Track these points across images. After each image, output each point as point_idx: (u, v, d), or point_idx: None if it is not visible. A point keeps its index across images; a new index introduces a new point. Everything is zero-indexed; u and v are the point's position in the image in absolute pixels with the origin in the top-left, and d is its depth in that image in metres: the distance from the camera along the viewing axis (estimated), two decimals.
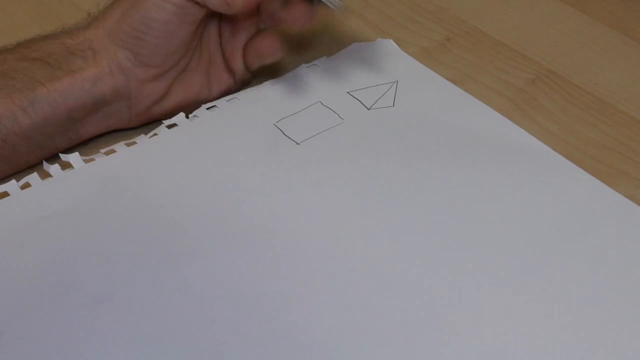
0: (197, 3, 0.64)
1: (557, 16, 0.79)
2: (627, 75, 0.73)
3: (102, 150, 0.66)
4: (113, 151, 0.66)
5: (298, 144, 0.66)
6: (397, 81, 0.71)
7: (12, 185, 0.63)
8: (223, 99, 0.70)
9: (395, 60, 0.73)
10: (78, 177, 0.64)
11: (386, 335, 0.53)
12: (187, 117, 0.68)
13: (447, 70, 0.73)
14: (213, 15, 0.68)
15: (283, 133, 0.67)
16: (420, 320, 0.54)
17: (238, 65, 0.70)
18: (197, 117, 0.68)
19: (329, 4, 0.66)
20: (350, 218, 0.60)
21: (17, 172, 0.64)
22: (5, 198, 0.62)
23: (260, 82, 0.71)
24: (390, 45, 0.75)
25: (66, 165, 0.65)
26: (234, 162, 0.65)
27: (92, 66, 0.65)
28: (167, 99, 0.68)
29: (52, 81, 0.64)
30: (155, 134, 0.67)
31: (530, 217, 0.60)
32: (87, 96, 0.65)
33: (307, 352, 0.53)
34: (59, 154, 0.65)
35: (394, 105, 0.69)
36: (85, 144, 0.67)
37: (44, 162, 0.64)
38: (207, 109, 0.69)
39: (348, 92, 0.70)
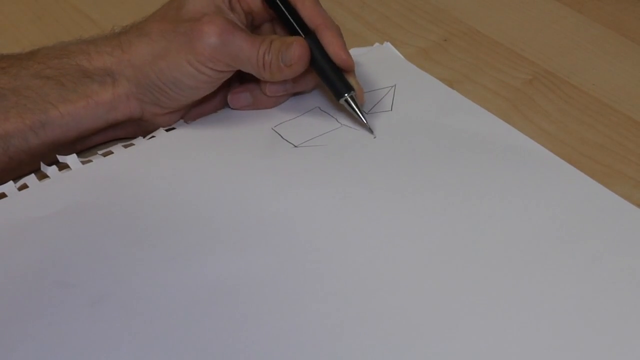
0: (229, 71, 0.64)
1: (555, 16, 0.79)
2: (624, 75, 0.73)
3: (100, 152, 0.66)
4: (110, 152, 0.66)
5: (296, 146, 0.66)
6: (395, 85, 0.71)
7: (9, 187, 0.63)
8: None
9: (393, 65, 0.73)
10: (75, 178, 0.64)
11: (386, 335, 0.53)
12: (185, 121, 0.68)
13: (444, 70, 0.73)
14: None
15: (281, 137, 0.67)
16: (419, 320, 0.54)
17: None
18: (195, 120, 0.68)
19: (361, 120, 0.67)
20: (348, 220, 0.60)
21: None
22: (3, 199, 0.62)
23: None
24: (388, 49, 0.75)
25: (64, 167, 0.65)
26: (231, 164, 0.65)
27: (109, 92, 0.64)
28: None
29: (65, 104, 0.63)
30: (153, 136, 0.67)
31: (527, 218, 0.60)
32: (100, 121, 0.64)
33: (306, 352, 0.53)
34: (57, 155, 0.64)
35: (391, 110, 0.69)
36: None
37: (41, 163, 0.64)
38: None
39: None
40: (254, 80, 0.68)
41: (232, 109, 0.69)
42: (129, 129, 0.67)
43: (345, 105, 0.67)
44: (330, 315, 0.55)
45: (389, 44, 0.75)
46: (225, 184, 0.63)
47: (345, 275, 0.57)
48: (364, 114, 0.67)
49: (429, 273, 0.57)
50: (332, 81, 0.66)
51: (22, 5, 0.82)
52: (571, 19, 0.79)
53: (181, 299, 0.56)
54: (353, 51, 0.74)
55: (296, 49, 0.64)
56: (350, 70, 0.66)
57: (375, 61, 0.73)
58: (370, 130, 0.67)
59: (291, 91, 0.68)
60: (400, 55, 0.74)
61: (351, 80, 0.67)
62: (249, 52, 0.63)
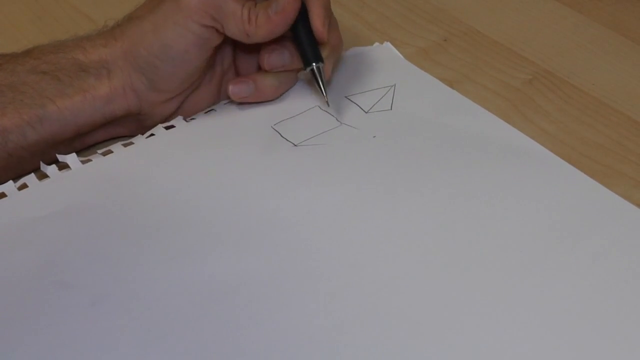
0: (216, 31, 0.64)
1: (554, 16, 0.79)
2: (624, 75, 0.73)
3: (100, 151, 0.66)
4: (110, 152, 0.66)
5: (295, 145, 0.66)
6: (394, 85, 0.71)
7: (9, 186, 0.63)
8: (221, 102, 0.70)
9: (393, 64, 0.73)
10: (75, 178, 0.64)
11: (385, 334, 0.53)
12: (184, 119, 0.68)
13: (444, 70, 0.73)
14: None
15: (280, 135, 0.67)
16: (419, 320, 0.54)
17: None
18: (195, 118, 0.68)
19: (322, 92, 0.68)
20: (347, 219, 0.60)
21: None
22: (3, 199, 0.62)
23: None
24: (388, 49, 0.75)
25: (63, 166, 0.65)
26: (231, 163, 0.65)
27: (106, 86, 0.64)
28: (177, 113, 0.68)
29: (62, 98, 0.63)
30: (153, 135, 0.67)
31: (527, 218, 0.60)
32: (98, 115, 0.64)
33: (306, 352, 0.53)
34: (57, 155, 0.64)
35: (391, 109, 0.69)
36: None
37: (41, 163, 0.64)
38: (205, 111, 0.69)
39: (346, 96, 0.70)
40: (254, 71, 0.68)
41: (233, 100, 0.69)
42: (129, 125, 0.67)
43: (311, 75, 0.67)
44: (331, 314, 0.55)
45: (388, 43, 0.75)
46: (225, 182, 0.63)
47: (345, 275, 0.57)
48: (326, 87, 0.67)
49: (429, 272, 0.57)
50: (304, 48, 0.67)
51: (21, 5, 0.82)
52: (571, 19, 0.79)
53: (181, 298, 0.56)
54: (353, 51, 0.74)
55: None
56: (323, 42, 0.67)
57: (375, 61, 0.73)
58: (327, 104, 0.68)
59: (289, 66, 0.68)
60: (400, 55, 0.74)
61: (324, 53, 0.67)
62: (233, 5, 0.63)
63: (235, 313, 0.55)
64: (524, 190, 0.62)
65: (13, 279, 0.57)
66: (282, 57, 0.67)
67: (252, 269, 0.57)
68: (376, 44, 0.75)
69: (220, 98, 0.70)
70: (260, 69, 0.69)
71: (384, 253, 0.58)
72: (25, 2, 0.82)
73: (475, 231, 0.59)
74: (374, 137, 0.66)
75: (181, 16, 0.63)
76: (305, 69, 0.67)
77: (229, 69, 0.69)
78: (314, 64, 0.67)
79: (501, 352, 0.52)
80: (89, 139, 0.66)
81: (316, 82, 0.67)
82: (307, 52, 0.67)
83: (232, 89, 0.68)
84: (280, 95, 0.69)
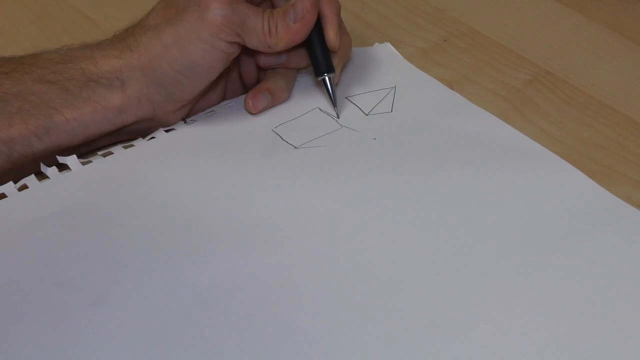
0: (238, 45, 0.64)
1: (554, 17, 0.79)
2: (624, 76, 0.73)
3: (100, 152, 0.66)
4: (110, 153, 0.66)
5: (296, 147, 0.66)
6: (395, 87, 0.71)
7: (9, 187, 0.63)
8: (221, 104, 0.70)
9: (393, 65, 0.73)
10: (75, 179, 0.64)
11: (385, 335, 0.53)
12: (184, 121, 0.68)
13: (444, 71, 0.73)
14: None
15: (281, 138, 0.67)
16: (418, 320, 0.54)
17: (253, 79, 0.70)
18: (195, 121, 0.68)
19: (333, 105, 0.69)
20: (348, 221, 0.60)
21: None
22: (3, 199, 0.62)
23: None
24: (388, 49, 0.75)
25: (64, 167, 0.65)
26: (231, 165, 0.65)
27: (118, 96, 0.63)
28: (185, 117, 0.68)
29: (70, 109, 0.62)
30: (153, 137, 0.67)
31: (527, 219, 0.60)
32: (109, 125, 0.64)
33: (306, 352, 0.53)
34: (57, 156, 0.64)
35: (392, 111, 0.69)
36: None
37: (41, 164, 0.64)
38: (205, 114, 0.69)
39: (346, 98, 0.70)
40: (263, 80, 0.69)
41: (232, 101, 0.69)
42: (136, 132, 0.66)
43: (322, 84, 0.68)
44: (330, 316, 0.55)
45: (388, 44, 0.75)
46: (225, 185, 0.63)
47: (345, 277, 0.57)
48: (337, 98, 0.68)
49: (429, 274, 0.57)
50: (316, 57, 0.67)
51: (22, 5, 0.82)
52: (571, 19, 0.79)
53: (181, 299, 0.56)
54: (353, 51, 0.74)
55: (306, 1, 0.64)
56: (334, 51, 0.67)
57: (374, 61, 0.73)
58: (337, 115, 0.68)
59: (285, 65, 0.68)
60: (400, 56, 0.74)
61: (335, 60, 0.67)
62: (254, 19, 0.63)
63: (235, 313, 0.55)
64: (524, 191, 0.62)
65: (13, 279, 0.57)
66: (279, 56, 0.67)
67: (252, 271, 0.57)
68: (376, 44, 0.75)
69: (225, 98, 0.70)
70: (259, 68, 0.69)
71: (385, 255, 0.58)
72: (25, 3, 0.82)
73: (476, 232, 0.59)
74: (375, 139, 0.66)
75: (208, 33, 0.62)
76: (317, 78, 0.68)
77: (233, 69, 0.69)
78: (325, 74, 0.67)
79: (501, 352, 0.52)
80: (95, 144, 0.66)
81: (327, 92, 0.68)
82: (319, 61, 0.67)
83: (252, 103, 0.68)
84: (290, 95, 0.69)
